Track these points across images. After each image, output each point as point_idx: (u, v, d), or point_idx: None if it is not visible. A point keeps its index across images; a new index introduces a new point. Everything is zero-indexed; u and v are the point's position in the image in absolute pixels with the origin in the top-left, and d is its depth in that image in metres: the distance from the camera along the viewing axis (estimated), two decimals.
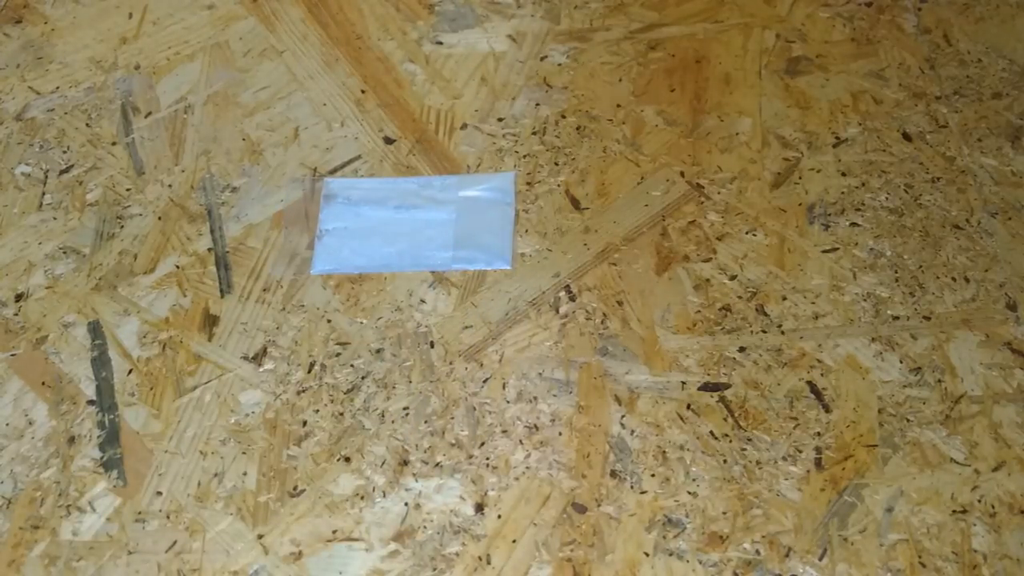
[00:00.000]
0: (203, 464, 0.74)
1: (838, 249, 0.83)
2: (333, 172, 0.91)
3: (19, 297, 0.85)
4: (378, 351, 0.79)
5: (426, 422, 0.75)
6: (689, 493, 0.70)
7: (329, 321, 0.81)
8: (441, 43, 1.01)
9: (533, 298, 0.81)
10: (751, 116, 0.92)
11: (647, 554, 0.68)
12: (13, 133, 0.97)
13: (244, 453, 0.75)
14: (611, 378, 0.77)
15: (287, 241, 0.87)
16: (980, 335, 0.77)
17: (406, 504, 0.71)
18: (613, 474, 0.71)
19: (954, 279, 0.80)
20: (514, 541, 0.69)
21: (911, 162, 0.88)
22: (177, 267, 0.86)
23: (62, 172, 0.93)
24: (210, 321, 0.82)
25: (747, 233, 0.84)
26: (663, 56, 0.98)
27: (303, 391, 0.77)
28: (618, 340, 0.78)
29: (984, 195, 0.85)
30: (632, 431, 0.73)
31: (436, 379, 0.77)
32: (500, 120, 0.94)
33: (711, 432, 0.73)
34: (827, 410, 0.74)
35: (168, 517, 0.72)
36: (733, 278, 0.81)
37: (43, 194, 0.92)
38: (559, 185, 0.89)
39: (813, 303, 0.79)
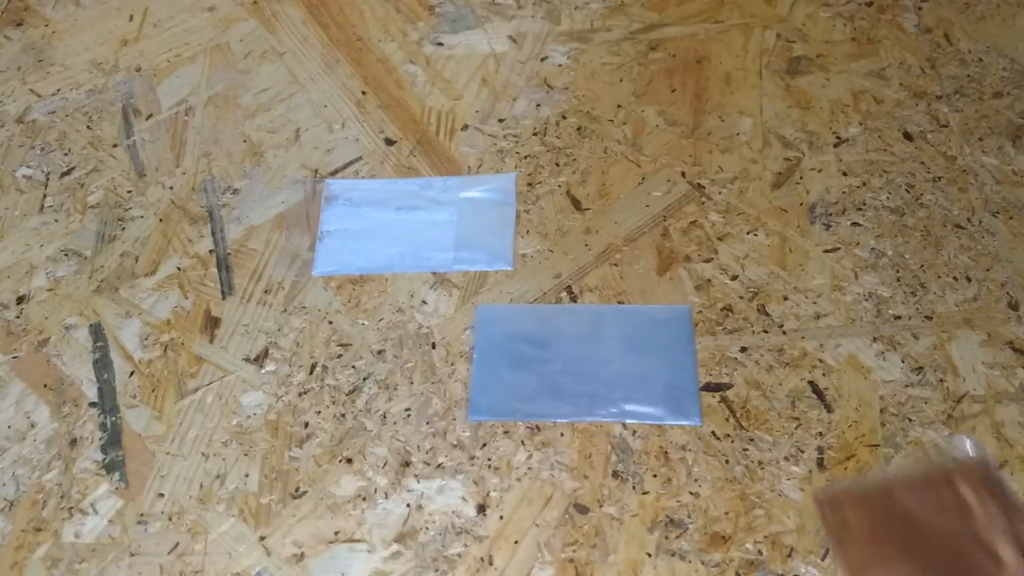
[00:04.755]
0: (205, 466, 0.74)
1: (839, 249, 0.83)
2: (334, 173, 0.91)
3: (21, 299, 0.85)
4: (379, 352, 0.79)
5: (428, 423, 0.75)
6: (691, 493, 0.70)
7: (330, 322, 0.81)
8: (442, 44, 1.01)
9: (534, 299, 0.81)
10: (752, 116, 0.92)
11: (649, 555, 0.68)
12: (14, 136, 0.97)
13: (246, 455, 0.75)
14: None
15: (288, 243, 0.87)
16: (982, 334, 0.77)
17: (408, 505, 0.71)
18: (615, 475, 0.71)
19: (956, 278, 0.80)
20: (516, 542, 0.69)
21: (912, 161, 0.88)
22: (178, 269, 0.86)
23: (63, 174, 0.93)
24: (211, 323, 0.82)
25: (748, 233, 0.84)
26: (664, 56, 0.98)
27: (305, 392, 0.77)
28: None
29: (985, 194, 0.85)
30: (634, 431, 0.73)
31: (438, 380, 0.77)
32: (501, 121, 0.94)
33: (713, 432, 0.73)
34: (829, 410, 0.74)
35: (170, 519, 0.72)
36: (734, 278, 0.81)
37: (44, 196, 0.92)
38: (560, 186, 0.89)
39: (815, 303, 0.79)
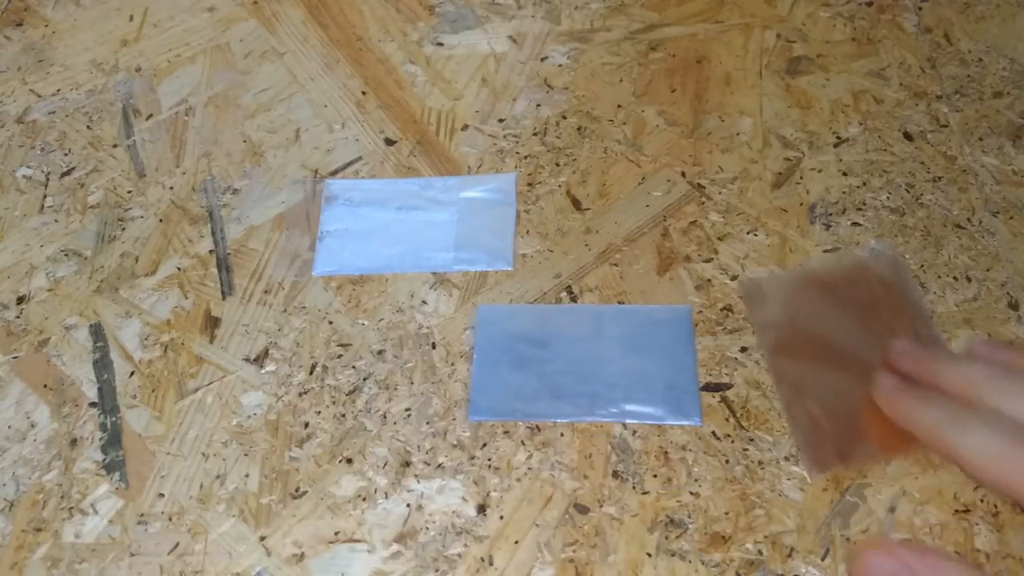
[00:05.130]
0: (205, 466, 0.74)
1: (839, 249, 0.83)
2: (334, 173, 0.91)
3: (21, 300, 0.85)
4: (380, 352, 0.79)
5: (428, 423, 0.75)
6: (691, 493, 0.70)
7: (330, 323, 0.81)
8: (442, 44, 1.01)
9: (534, 299, 0.81)
10: (752, 116, 0.92)
11: (649, 555, 0.68)
12: (14, 136, 0.97)
13: (246, 455, 0.75)
14: None
15: (288, 243, 0.87)
16: (982, 334, 0.77)
17: (408, 505, 0.71)
18: (615, 475, 0.71)
19: (956, 278, 0.80)
20: (516, 542, 0.69)
21: (912, 161, 0.88)
22: (178, 269, 0.86)
23: (63, 175, 0.93)
24: (211, 323, 0.82)
25: (748, 233, 0.84)
26: (664, 56, 0.98)
27: (305, 393, 0.77)
28: None
29: (985, 194, 0.85)
30: (634, 431, 0.73)
31: (438, 380, 0.77)
32: (501, 121, 0.94)
33: (713, 432, 0.73)
34: None
35: (170, 519, 0.72)
36: (735, 278, 0.81)
37: (44, 197, 0.92)
38: (560, 186, 0.89)
39: None
